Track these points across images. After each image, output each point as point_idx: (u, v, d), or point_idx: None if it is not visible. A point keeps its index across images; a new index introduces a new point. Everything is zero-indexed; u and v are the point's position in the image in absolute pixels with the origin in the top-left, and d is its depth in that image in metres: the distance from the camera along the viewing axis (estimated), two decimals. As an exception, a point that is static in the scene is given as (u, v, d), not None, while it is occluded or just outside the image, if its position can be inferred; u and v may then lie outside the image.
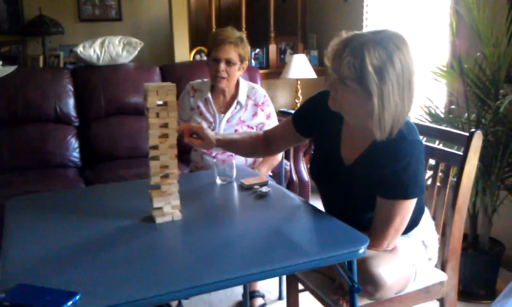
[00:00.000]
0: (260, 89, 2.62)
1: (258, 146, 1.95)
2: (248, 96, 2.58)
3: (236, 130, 2.50)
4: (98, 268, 1.29)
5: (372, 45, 1.44)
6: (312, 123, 1.79)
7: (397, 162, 1.53)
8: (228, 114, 2.54)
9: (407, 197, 1.56)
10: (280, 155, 2.64)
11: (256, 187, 1.87)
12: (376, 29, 1.54)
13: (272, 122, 2.58)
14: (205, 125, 2.52)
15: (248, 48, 2.54)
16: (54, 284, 1.17)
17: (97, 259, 1.34)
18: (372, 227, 1.61)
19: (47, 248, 1.42)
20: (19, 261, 1.34)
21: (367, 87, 1.45)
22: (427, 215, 1.80)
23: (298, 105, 4.27)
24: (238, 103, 2.55)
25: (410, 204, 1.58)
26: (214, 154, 2.51)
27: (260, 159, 2.56)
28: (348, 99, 1.53)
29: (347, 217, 1.56)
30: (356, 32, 1.52)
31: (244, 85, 2.60)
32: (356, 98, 1.50)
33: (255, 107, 2.57)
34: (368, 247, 1.41)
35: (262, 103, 2.58)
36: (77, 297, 1.12)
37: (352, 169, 1.65)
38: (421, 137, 1.60)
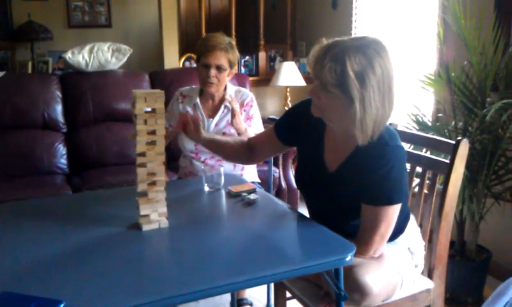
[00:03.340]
0: (246, 92, 2.65)
1: (241, 151, 1.96)
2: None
3: (224, 133, 2.51)
4: (84, 276, 1.28)
5: (352, 51, 1.47)
6: (295, 132, 1.80)
7: (380, 167, 1.54)
8: (217, 118, 2.57)
9: (391, 202, 1.57)
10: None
11: (244, 194, 1.87)
12: (356, 36, 1.56)
13: (255, 124, 2.58)
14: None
15: (237, 53, 2.57)
16: (39, 292, 1.16)
17: (83, 267, 1.34)
18: (358, 234, 1.61)
19: (32, 255, 1.41)
20: (4, 268, 1.33)
21: (348, 92, 1.47)
22: (412, 221, 1.81)
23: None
24: (225, 107, 2.57)
25: (395, 210, 1.58)
26: (202, 159, 2.51)
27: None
28: (330, 105, 1.54)
29: (332, 224, 1.57)
30: (336, 38, 1.54)
31: (232, 89, 2.64)
32: (338, 103, 1.51)
33: (241, 108, 2.58)
34: (355, 255, 1.41)
35: (246, 104, 2.59)
36: (62, 305, 1.11)
37: (336, 176, 1.66)
38: (408, 145, 1.62)
